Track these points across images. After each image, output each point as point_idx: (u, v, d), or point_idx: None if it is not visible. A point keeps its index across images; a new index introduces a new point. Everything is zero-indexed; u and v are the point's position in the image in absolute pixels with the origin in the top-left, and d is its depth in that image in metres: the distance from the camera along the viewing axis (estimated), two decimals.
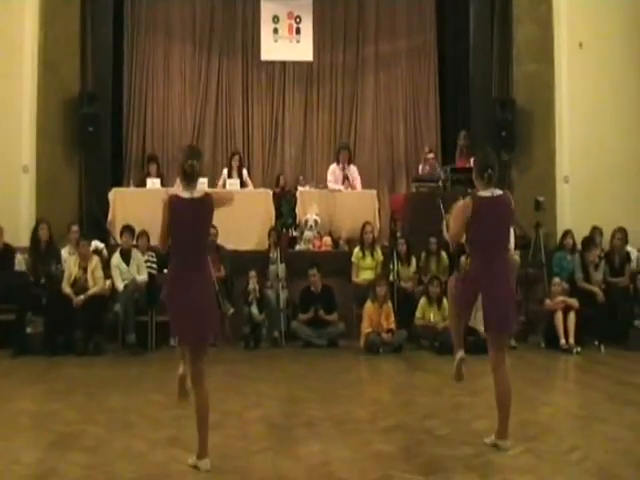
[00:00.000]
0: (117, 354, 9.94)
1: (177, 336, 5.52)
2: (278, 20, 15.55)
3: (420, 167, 13.88)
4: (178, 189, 5.33)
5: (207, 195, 5.29)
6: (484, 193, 5.72)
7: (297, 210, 12.42)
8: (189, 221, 5.16)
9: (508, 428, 5.63)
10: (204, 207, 5.23)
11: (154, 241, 10.88)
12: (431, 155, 13.64)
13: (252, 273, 10.53)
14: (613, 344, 10.35)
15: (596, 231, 11.45)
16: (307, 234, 11.91)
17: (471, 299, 5.67)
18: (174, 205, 5.16)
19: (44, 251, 10.48)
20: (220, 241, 10.82)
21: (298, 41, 15.64)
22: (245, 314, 10.40)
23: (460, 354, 5.95)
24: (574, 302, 10.38)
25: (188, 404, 5.39)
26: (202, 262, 5.30)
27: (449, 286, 6.19)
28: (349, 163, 12.84)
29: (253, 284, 10.45)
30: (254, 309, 10.42)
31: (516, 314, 6.14)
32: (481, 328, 5.79)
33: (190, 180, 5.24)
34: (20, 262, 10.69)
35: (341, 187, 12.51)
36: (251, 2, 15.71)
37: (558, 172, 12.76)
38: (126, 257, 10.40)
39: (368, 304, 10.20)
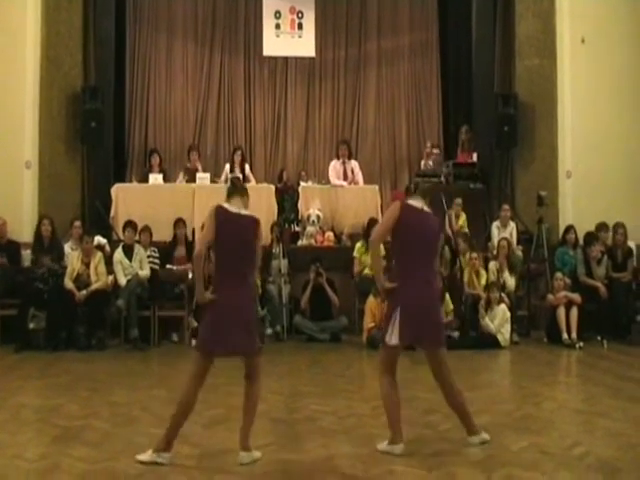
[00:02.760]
0: (120, 349, 9.96)
1: (216, 346, 5.20)
2: (280, 15, 15.51)
3: (422, 162, 13.90)
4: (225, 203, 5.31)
5: (253, 217, 5.32)
6: (414, 203, 5.55)
7: (299, 205, 12.43)
8: (235, 235, 5.20)
9: (473, 422, 5.57)
10: (251, 225, 5.28)
11: (156, 236, 10.93)
12: (436, 150, 13.64)
13: None
14: (615, 339, 10.39)
15: (602, 226, 11.43)
16: (309, 229, 11.91)
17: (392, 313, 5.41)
18: (220, 217, 5.18)
19: (47, 246, 10.51)
20: None
21: (300, 36, 15.61)
22: None
23: (399, 448, 5.38)
24: (576, 297, 10.38)
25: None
26: (247, 274, 5.28)
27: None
28: (349, 158, 12.84)
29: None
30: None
31: (440, 329, 5.67)
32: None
33: (231, 195, 5.30)
34: (27, 258, 10.72)
35: (343, 183, 12.51)
36: None
37: (560, 167, 12.77)
38: (128, 252, 10.41)
39: (370, 299, 10.19)
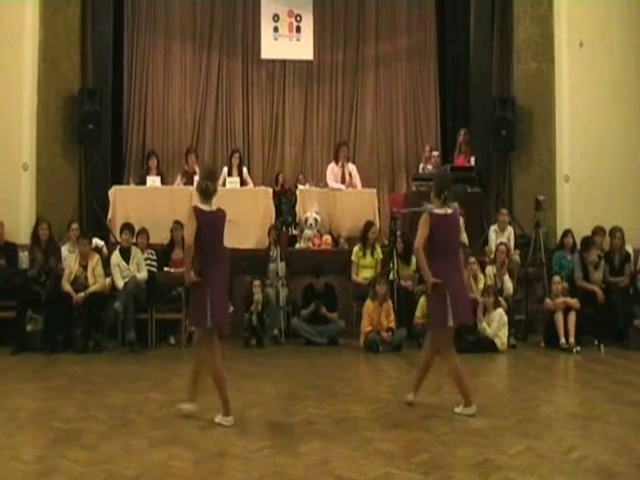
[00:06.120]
0: (117, 352, 9.93)
1: (208, 319, 6.26)
2: (278, 18, 15.54)
3: (421, 166, 13.89)
4: (198, 201, 6.50)
5: (220, 209, 6.52)
6: (439, 211, 6.72)
7: (297, 208, 12.42)
8: (211, 228, 6.37)
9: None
10: (221, 217, 6.52)
11: (154, 239, 10.92)
12: (436, 153, 13.64)
13: (256, 282, 10.44)
14: (613, 343, 10.38)
15: (598, 230, 11.43)
16: (307, 232, 11.90)
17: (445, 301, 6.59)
18: (198, 215, 6.31)
19: (44, 249, 10.50)
20: None
21: (298, 39, 15.63)
22: (245, 320, 10.35)
23: (410, 397, 6.96)
24: (575, 302, 10.36)
25: None
26: (222, 257, 6.46)
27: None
28: (347, 161, 12.85)
29: (258, 294, 10.38)
30: (254, 318, 10.35)
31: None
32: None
33: (207, 197, 6.41)
34: (24, 260, 10.70)
35: (341, 186, 12.52)
36: (251, 0, 15.70)
37: (558, 171, 12.77)
38: (126, 255, 10.40)
39: (368, 303, 10.19)
